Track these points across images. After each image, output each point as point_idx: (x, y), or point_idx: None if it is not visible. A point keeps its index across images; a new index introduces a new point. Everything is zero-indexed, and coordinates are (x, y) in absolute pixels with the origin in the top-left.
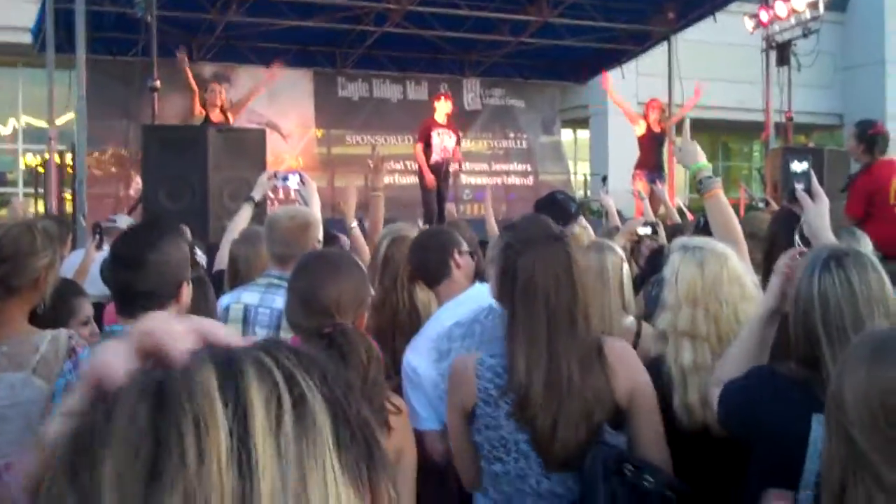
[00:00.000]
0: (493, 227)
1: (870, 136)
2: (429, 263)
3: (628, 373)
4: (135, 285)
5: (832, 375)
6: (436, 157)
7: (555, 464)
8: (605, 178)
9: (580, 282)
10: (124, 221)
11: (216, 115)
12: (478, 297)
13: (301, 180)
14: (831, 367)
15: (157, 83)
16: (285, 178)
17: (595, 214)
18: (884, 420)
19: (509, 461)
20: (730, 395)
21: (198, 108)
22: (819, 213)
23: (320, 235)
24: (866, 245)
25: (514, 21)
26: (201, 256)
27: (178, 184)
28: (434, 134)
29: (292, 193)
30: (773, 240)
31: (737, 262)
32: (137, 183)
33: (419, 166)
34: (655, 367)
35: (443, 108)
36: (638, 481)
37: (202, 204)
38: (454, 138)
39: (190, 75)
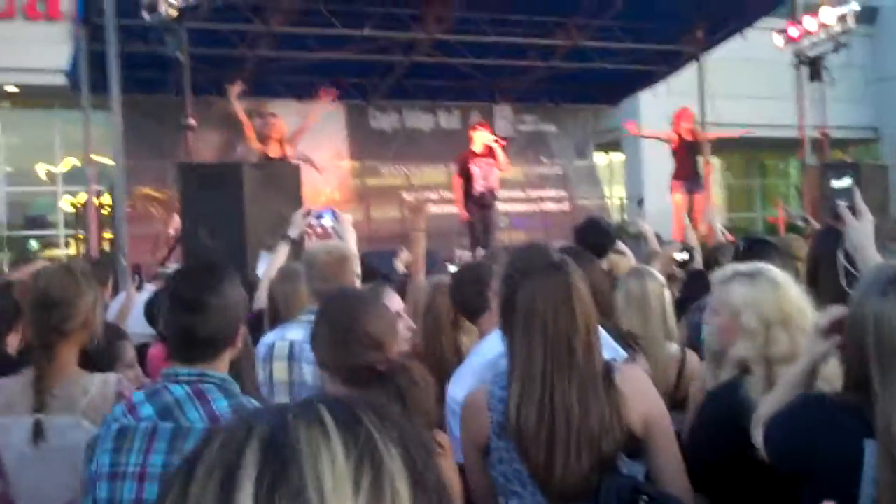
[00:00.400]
0: None
1: None
2: (467, 297)
3: (642, 400)
4: (196, 330)
5: (883, 402)
6: (479, 188)
7: (557, 497)
8: (640, 201)
9: (580, 310)
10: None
11: (274, 149)
12: None
13: (335, 216)
14: (880, 392)
15: (192, 121)
16: (319, 216)
17: (633, 238)
18: None
19: (526, 495)
20: (777, 426)
21: (255, 143)
22: (863, 230)
23: (358, 270)
24: None
25: (543, 46)
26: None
27: (216, 221)
28: (473, 165)
29: (328, 230)
30: (816, 259)
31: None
32: (176, 221)
33: (457, 200)
34: (726, 395)
35: (480, 139)
36: None
37: (240, 241)
38: (494, 166)
39: (240, 109)
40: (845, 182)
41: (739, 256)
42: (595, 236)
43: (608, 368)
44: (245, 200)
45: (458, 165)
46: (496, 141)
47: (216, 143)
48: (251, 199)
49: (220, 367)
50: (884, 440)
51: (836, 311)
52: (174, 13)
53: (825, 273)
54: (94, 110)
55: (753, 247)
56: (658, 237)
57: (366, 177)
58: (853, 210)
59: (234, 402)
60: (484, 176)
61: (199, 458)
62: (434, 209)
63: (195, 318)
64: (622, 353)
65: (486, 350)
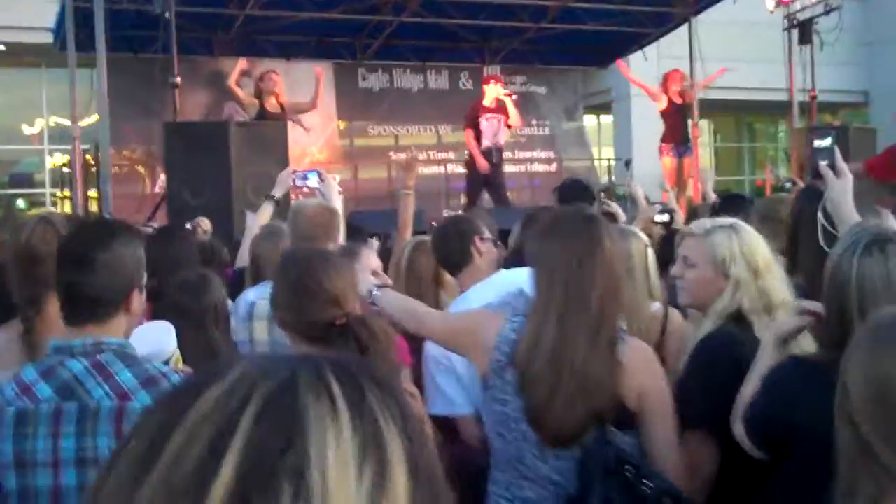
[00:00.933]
0: None
1: None
2: (450, 251)
3: (641, 374)
4: (81, 287)
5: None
6: (486, 142)
7: (549, 438)
8: (628, 162)
9: (602, 267)
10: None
11: (272, 105)
12: (505, 282)
13: (320, 177)
14: None
15: (178, 80)
16: (305, 177)
17: (622, 199)
18: (883, 406)
19: (510, 439)
20: (755, 405)
21: (249, 98)
22: (842, 189)
23: (342, 229)
24: (892, 222)
25: (534, 7)
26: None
27: (201, 180)
28: (483, 119)
29: (314, 191)
30: (797, 218)
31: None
32: (162, 181)
33: (471, 152)
34: (722, 338)
35: (491, 92)
36: (636, 484)
37: (226, 200)
38: (503, 121)
39: (235, 82)
40: (827, 141)
41: (716, 213)
42: (574, 196)
43: (615, 337)
44: (231, 160)
45: (467, 119)
46: (508, 95)
47: (203, 102)
48: (237, 159)
49: (115, 332)
50: None
51: (816, 305)
52: None
53: (805, 232)
54: (81, 69)
55: (728, 202)
56: (647, 199)
57: (354, 137)
58: (833, 168)
59: (139, 370)
60: (494, 132)
61: (181, 415)
62: (422, 170)
63: (81, 275)
64: None
65: (473, 299)
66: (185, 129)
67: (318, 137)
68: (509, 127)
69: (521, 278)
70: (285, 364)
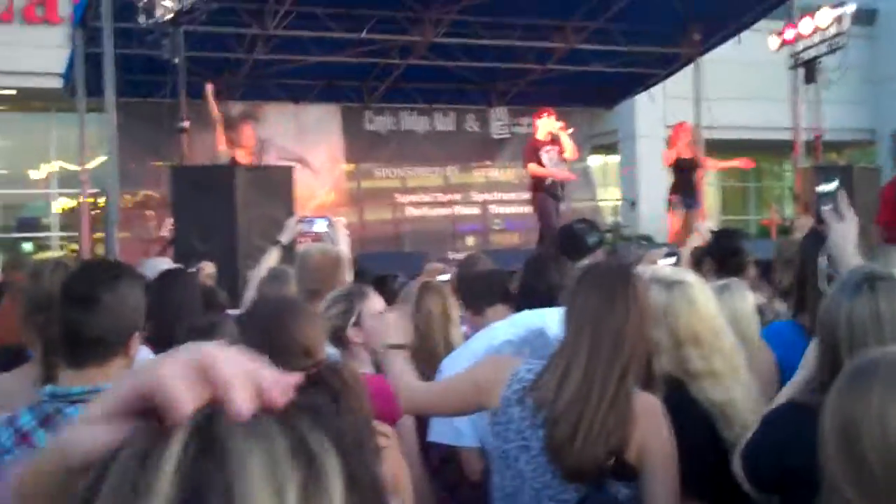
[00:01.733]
0: None
1: None
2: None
3: (646, 428)
4: (84, 327)
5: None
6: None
7: (568, 472)
8: (633, 203)
9: (632, 315)
10: (151, 268)
11: (243, 156)
12: (527, 322)
13: (329, 223)
14: None
15: (186, 124)
16: (312, 223)
17: (626, 240)
18: (848, 451)
19: (508, 476)
20: (751, 445)
21: (222, 144)
22: (844, 234)
23: (350, 275)
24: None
25: (539, 49)
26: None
27: (207, 224)
28: (543, 152)
29: (321, 235)
30: (802, 262)
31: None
32: (169, 224)
33: (543, 176)
34: (686, 404)
35: (545, 126)
36: None
37: (231, 244)
38: (560, 154)
39: (215, 107)
40: (831, 186)
41: (711, 248)
42: (567, 241)
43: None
44: (237, 204)
45: (527, 154)
46: (562, 128)
47: (212, 146)
48: (243, 203)
49: (114, 376)
50: None
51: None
52: (170, 17)
53: (811, 275)
54: (90, 113)
55: (721, 236)
56: (649, 240)
57: (360, 179)
58: (837, 213)
59: None
60: (555, 164)
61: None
62: (427, 212)
63: (85, 314)
64: None
65: (499, 334)
66: (192, 172)
67: (325, 179)
68: (564, 160)
69: (541, 319)
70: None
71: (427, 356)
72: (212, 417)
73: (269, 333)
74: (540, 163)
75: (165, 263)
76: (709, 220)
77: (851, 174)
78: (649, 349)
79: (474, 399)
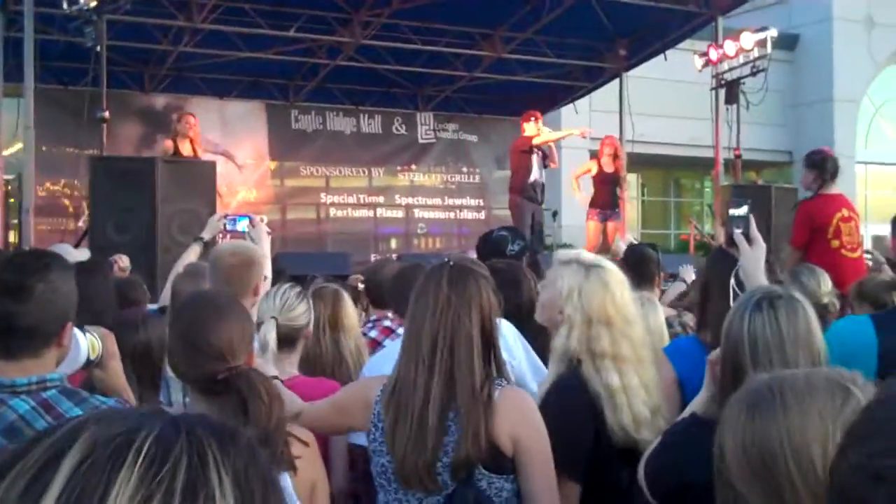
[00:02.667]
0: None
1: (819, 159)
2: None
3: (513, 421)
4: (17, 317)
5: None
6: (534, 176)
7: (415, 484)
8: (555, 214)
9: (470, 317)
10: (64, 252)
11: (186, 149)
12: None
13: (251, 223)
14: None
15: (107, 114)
16: (235, 221)
17: (548, 249)
18: (760, 472)
19: (390, 490)
20: (650, 461)
21: (168, 145)
22: (754, 258)
23: (268, 272)
24: (825, 282)
25: (468, 56)
26: (145, 292)
27: (126, 216)
28: (533, 153)
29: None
30: (705, 280)
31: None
32: (86, 215)
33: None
34: (573, 383)
35: (532, 130)
36: None
37: (150, 237)
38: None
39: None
40: (742, 210)
41: (623, 261)
42: (488, 248)
43: (490, 384)
44: (157, 197)
45: (517, 149)
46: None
47: (133, 137)
48: (163, 196)
49: (47, 367)
50: None
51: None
52: (94, 4)
53: (714, 292)
54: (8, 98)
55: (633, 250)
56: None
57: (285, 177)
58: (748, 238)
59: (87, 405)
60: (539, 167)
61: (20, 456)
62: (351, 213)
63: (17, 305)
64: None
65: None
66: (112, 163)
67: (249, 176)
68: (546, 166)
69: None
70: (123, 420)
71: (313, 361)
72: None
73: (187, 335)
74: (528, 163)
75: (70, 251)
76: (629, 234)
77: (770, 194)
78: (493, 342)
79: (340, 422)
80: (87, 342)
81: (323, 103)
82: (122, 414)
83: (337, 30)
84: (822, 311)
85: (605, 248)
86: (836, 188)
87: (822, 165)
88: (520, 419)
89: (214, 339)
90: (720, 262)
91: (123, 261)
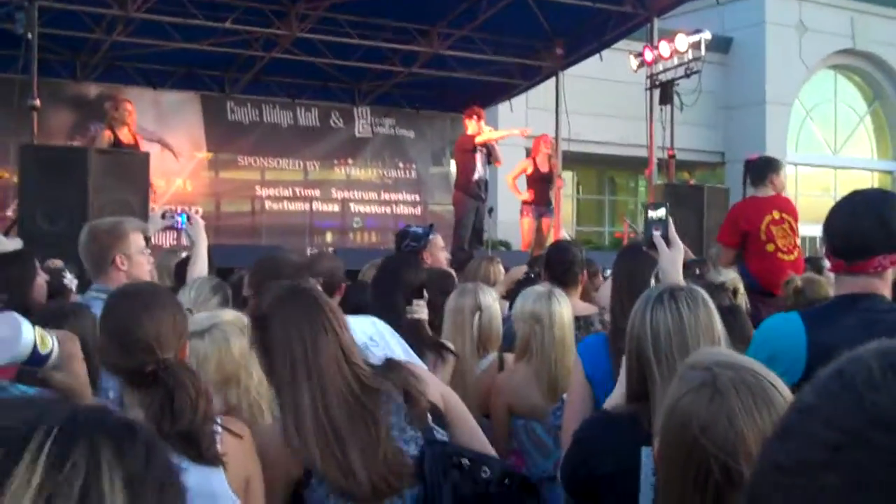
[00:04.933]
0: None
1: (745, 163)
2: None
3: (433, 382)
4: None
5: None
6: (478, 174)
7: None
8: (490, 210)
9: (322, 336)
10: None
11: (125, 135)
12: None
13: (188, 220)
14: (659, 395)
15: (37, 102)
16: (172, 217)
17: (494, 247)
18: (687, 444)
19: None
20: (565, 459)
21: (107, 134)
22: (672, 260)
23: (205, 267)
24: (733, 279)
25: (405, 52)
26: (70, 280)
27: (56, 206)
28: (477, 152)
29: (182, 235)
30: (615, 277)
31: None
32: (15, 203)
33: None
34: None
35: (473, 127)
36: (476, 472)
37: (81, 227)
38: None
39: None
40: (660, 212)
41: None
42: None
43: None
44: (89, 187)
45: (462, 146)
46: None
47: (65, 126)
48: (96, 186)
49: None
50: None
51: None
52: None
53: (624, 288)
54: None
55: (554, 248)
56: (508, 246)
57: (220, 169)
58: (666, 239)
59: (5, 395)
60: (483, 164)
61: None
62: (287, 206)
63: None
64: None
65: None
66: (43, 152)
67: (184, 167)
68: (490, 163)
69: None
70: (11, 415)
71: None
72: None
73: (113, 327)
74: (473, 161)
75: (1, 239)
76: (563, 230)
77: (703, 194)
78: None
79: None
80: (34, 334)
81: (259, 96)
82: (18, 405)
83: (273, 22)
84: (720, 292)
85: (540, 243)
86: (770, 190)
87: (746, 169)
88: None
89: (140, 333)
90: (629, 259)
91: (56, 264)
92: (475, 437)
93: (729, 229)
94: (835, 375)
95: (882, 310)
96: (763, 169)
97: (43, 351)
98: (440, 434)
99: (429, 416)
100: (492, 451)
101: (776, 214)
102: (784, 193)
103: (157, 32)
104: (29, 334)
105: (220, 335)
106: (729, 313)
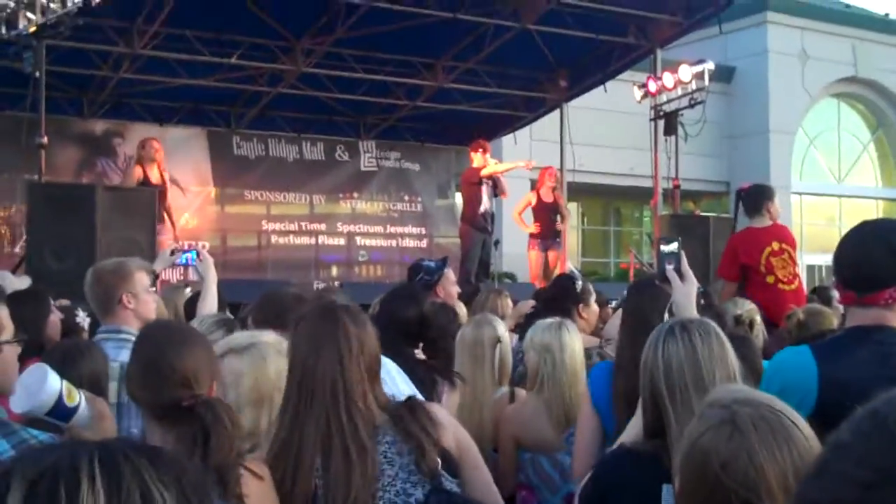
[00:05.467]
0: None
1: (737, 194)
2: None
3: (451, 428)
4: None
5: (679, 437)
6: (484, 207)
7: None
8: (497, 243)
9: (338, 357)
10: (2, 278)
11: (154, 174)
12: None
13: (198, 256)
14: (675, 430)
15: (45, 140)
16: (184, 255)
17: (498, 279)
18: (708, 482)
19: None
20: (584, 488)
21: (137, 172)
22: (686, 293)
23: (214, 303)
24: (750, 311)
25: (409, 85)
26: (83, 318)
27: (64, 243)
28: (484, 183)
29: (190, 271)
30: (627, 310)
31: None
32: (23, 240)
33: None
34: None
35: (479, 160)
36: None
37: (89, 265)
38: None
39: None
40: (672, 246)
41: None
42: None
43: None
44: (97, 224)
45: (469, 179)
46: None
47: (72, 163)
48: (103, 224)
49: None
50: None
51: None
52: (33, 29)
53: (636, 323)
54: None
55: (553, 282)
56: (513, 278)
57: (226, 204)
58: (679, 273)
59: (15, 438)
60: (489, 196)
61: None
62: (293, 240)
63: None
64: (403, 391)
65: None
66: (51, 189)
67: (191, 202)
68: (496, 195)
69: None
70: (51, 453)
71: None
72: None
73: (150, 361)
74: (479, 193)
75: (8, 277)
76: (569, 262)
77: (709, 224)
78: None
79: None
80: (60, 385)
81: (265, 130)
82: (51, 447)
83: (279, 57)
84: (736, 325)
85: (547, 276)
86: (767, 220)
87: (738, 198)
88: (452, 425)
89: (179, 366)
90: (640, 292)
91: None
92: (487, 490)
93: (728, 263)
94: (869, 415)
95: (895, 342)
96: (758, 198)
97: (70, 404)
98: (450, 482)
99: (440, 461)
100: (497, 499)
101: (775, 245)
102: (779, 220)
103: (164, 69)
104: (55, 385)
105: (258, 354)
106: (740, 345)
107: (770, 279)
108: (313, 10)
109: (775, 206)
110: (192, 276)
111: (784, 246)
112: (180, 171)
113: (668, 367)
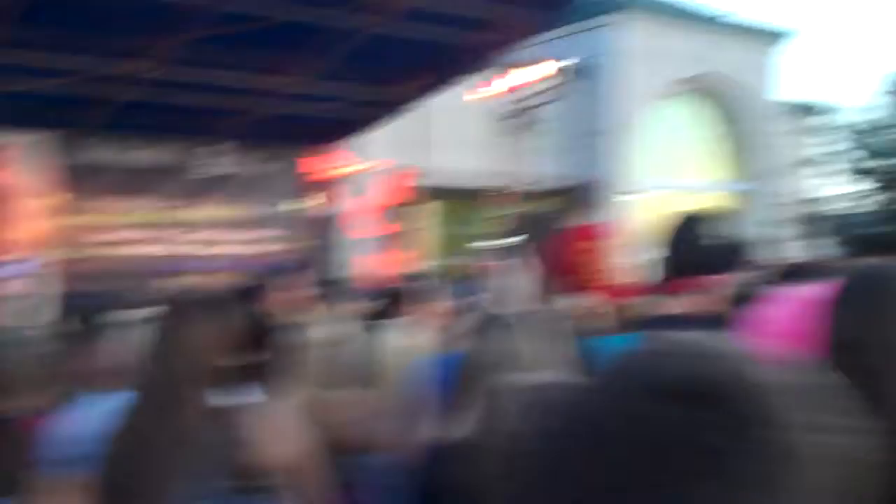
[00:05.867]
0: None
1: (570, 190)
2: None
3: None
4: None
5: None
6: (335, 209)
7: None
8: (344, 245)
9: (175, 350)
10: None
11: None
12: None
13: (33, 265)
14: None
15: None
16: (13, 266)
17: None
18: None
19: None
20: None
21: None
22: (519, 285)
23: (56, 316)
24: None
25: (264, 88)
26: None
27: None
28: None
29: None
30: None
31: None
32: None
33: (350, 174)
34: None
35: (327, 163)
36: None
37: None
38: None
39: None
40: (514, 240)
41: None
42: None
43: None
44: None
45: (317, 185)
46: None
47: None
48: None
49: None
50: None
51: None
52: None
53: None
54: None
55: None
56: (359, 280)
57: (76, 211)
58: (518, 267)
59: None
60: (339, 198)
61: None
62: (147, 248)
63: None
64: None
65: None
66: None
67: (39, 210)
68: (341, 199)
69: None
70: None
71: None
72: None
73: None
74: (329, 196)
75: None
76: (415, 263)
77: (552, 222)
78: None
79: None
80: None
81: (118, 135)
82: None
83: (131, 60)
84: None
85: (388, 278)
86: (583, 219)
87: (571, 196)
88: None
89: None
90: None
91: None
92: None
93: (551, 258)
94: None
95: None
96: (584, 197)
97: None
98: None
99: (263, 474)
100: None
101: (585, 244)
102: (621, 216)
103: (9, 71)
104: None
105: None
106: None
107: (585, 277)
108: (167, 11)
109: (600, 203)
110: (31, 286)
111: (590, 244)
112: (27, 177)
113: (468, 364)
